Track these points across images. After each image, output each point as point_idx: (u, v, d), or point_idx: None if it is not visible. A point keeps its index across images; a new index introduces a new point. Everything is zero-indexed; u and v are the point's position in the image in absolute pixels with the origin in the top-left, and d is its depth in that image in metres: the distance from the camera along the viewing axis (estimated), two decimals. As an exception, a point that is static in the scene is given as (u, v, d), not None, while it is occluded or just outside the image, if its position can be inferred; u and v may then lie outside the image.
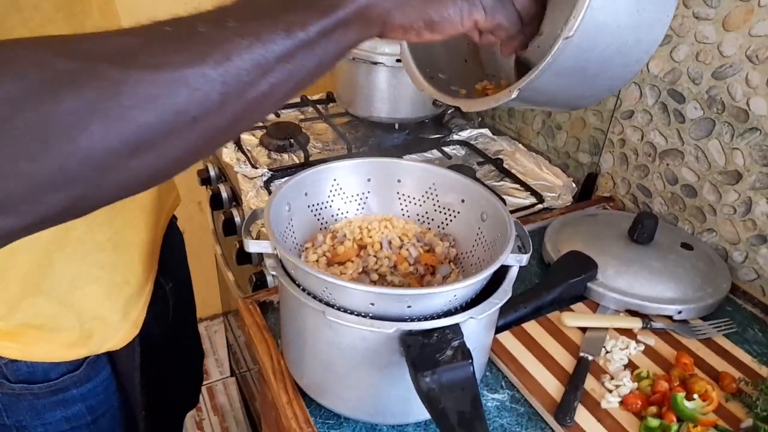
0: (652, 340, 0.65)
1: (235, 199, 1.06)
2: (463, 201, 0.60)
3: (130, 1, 1.25)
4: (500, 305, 0.48)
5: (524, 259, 0.52)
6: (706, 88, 0.74)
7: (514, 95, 0.42)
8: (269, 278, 0.85)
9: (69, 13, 0.45)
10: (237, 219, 1.03)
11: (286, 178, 0.57)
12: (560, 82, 0.42)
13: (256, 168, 0.99)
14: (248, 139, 1.10)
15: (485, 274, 0.47)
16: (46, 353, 0.54)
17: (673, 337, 0.66)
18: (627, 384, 0.58)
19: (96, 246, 0.54)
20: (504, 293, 0.49)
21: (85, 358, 0.57)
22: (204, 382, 1.80)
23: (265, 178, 0.97)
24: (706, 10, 0.71)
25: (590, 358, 0.61)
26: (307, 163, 1.02)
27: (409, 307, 0.45)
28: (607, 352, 0.63)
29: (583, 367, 0.60)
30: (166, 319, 0.71)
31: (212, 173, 1.14)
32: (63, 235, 0.51)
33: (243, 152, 1.04)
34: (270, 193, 0.93)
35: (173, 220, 0.77)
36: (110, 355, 0.60)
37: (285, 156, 1.06)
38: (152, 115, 0.27)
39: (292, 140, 1.07)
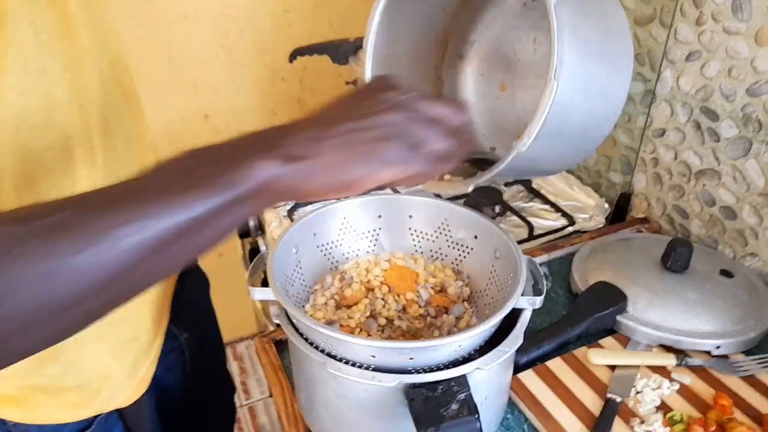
0: (687, 379, 0.60)
1: (261, 227, 1.06)
2: (476, 237, 0.58)
3: (144, 52, 1.28)
4: (510, 353, 0.46)
5: (537, 301, 0.49)
6: (740, 106, 0.69)
7: (470, 189, 0.49)
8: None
9: (77, 73, 0.45)
10: (262, 248, 1.03)
11: (292, 221, 0.57)
12: (513, 172, 0.48)
13: (281, 196, 1.00)
14: (274, 166, 1.10)
15: (492, 323, 0.45)
16: (50, 416, 0.54)
17: (711, 375, 0.61)
18: (658, 429, 0.54)
19: None
20: (514, 340, 0.47)
21: (96, 416, 0.57)
22: (245, 402, 1.82)
23: (288, 207, 0.97)
24: (737, 24, 0.66)
25: (618, 399, 0.58)
26: (331, 190, 1.01)
27: (411, 359, 0.44)
28: (638, 393, 0.59)
29: (610, 410, 0.57)
30: (183, 369, 0.70)
31: (240, 201, 1.15)
32: None
33: (268, 181, 1.05)
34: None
35: (192, 264, 0.76)
36: (120, 412, 0.59)
37: (310, 183, 1.06)
38: (6, 312, 0.27)
39: (317, 167, 1.07)
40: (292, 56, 1.13)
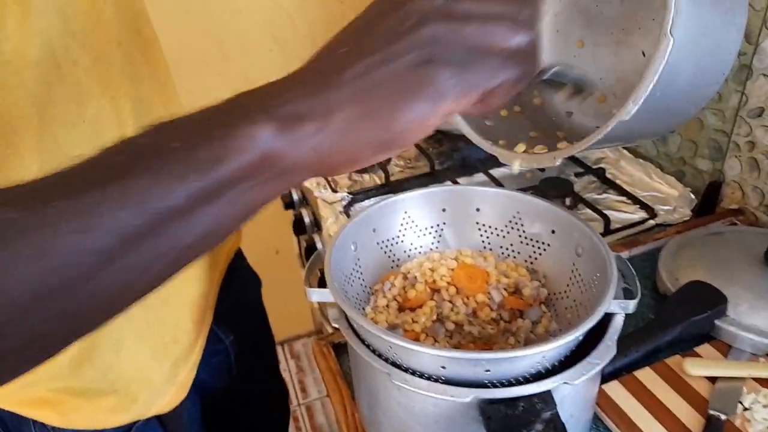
0: (804, 394, 0.52)
1: (317, 224, 1.03)
2: (553, 232, 0.52)
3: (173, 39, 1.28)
4: (602, 366, 0.40)
5: (631, 305, 0.43)
6: None
7: (558, 162, 0.43)
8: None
9: (108, 63, 0.43)
10: (319, 245, 1.00)
11: (351, 216, 0.52)
12: (604, 143, 0.42)
13: (336, 192, 0.96)
14: (329, 161, 1.07)
15: (583, 330, 0.39)
16: (87, 420, 0.51)
17: (833, 390, 0.53)
18: (774, 454, 0.47)
19: (144, 304, 0.50)
20: (606, 351, 0.41)
21: (134, 422, 0.54)
22: (302, 401, 1.81)
23: (344, 203, 0.93)
24: None
25: (723, 417, 0.50)
26: (387, 184, 0.97)
27: (487, 371, 0.38)
28: (746, 410, 0.51)
29: (713, 429, 0.49)
30: (229, 373, 0.67)
31: (295, 197, 1.12)
32: None
33: (323, 175, 1.01)
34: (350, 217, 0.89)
35: (241, 264, 0.72)
36: (160, 419, 0.57)
37: (366, 177, 1.02)
38: None
39: (372, 160, 1.03)
40: (346, 46, 1.09)
